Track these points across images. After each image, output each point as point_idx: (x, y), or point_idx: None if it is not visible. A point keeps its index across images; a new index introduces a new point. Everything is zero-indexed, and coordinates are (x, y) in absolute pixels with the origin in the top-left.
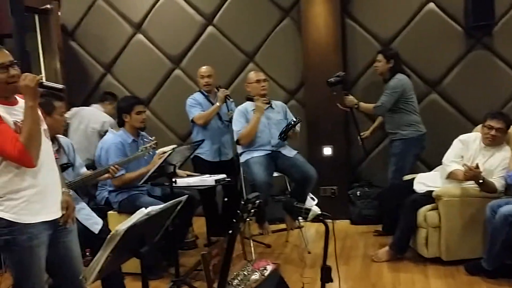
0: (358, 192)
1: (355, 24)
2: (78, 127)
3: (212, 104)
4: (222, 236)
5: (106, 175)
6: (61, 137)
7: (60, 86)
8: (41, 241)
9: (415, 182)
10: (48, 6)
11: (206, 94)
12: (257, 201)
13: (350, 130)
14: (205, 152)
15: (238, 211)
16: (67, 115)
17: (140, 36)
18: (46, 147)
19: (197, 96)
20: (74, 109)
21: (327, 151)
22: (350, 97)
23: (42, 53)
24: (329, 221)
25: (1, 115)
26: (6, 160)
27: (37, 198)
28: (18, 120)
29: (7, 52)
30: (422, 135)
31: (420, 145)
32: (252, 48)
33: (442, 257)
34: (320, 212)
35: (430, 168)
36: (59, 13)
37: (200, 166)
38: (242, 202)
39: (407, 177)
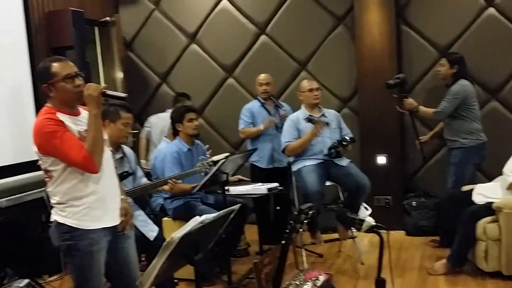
0: (414, 202)
1: (411, 31)
2: (161, 135)
3: (268, 111)
4: (274, 244)
5: (165, 186)
6: (125, 147)
7: (123, 94)
8: (101, 246)
9: (474, 193)
10: (108, 18)
11: (262, 101)
12: (310, 212)
13: (406, 139)
14: (259, 159)
15: (291, 221)
16: (148, 123)
17: (194, 46)
18: (107, 155)
19: (253, 104)
20: (153, 117)
21: (381, 160)
22: (410, 100)
23: (102, 64)
24: (383, 232)
25: (66, 124)
26: (70, 167)
27: (98, 204)
28: (81, 130)
29: (72, 63)
30: (483, 144)
31: (480, 154)
32: (305, 56)
33: (502, 271)
34: (374, 223)
35: (490, 179)
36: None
37: (255, 173)
38: (296, 213)
39: (466, 187)
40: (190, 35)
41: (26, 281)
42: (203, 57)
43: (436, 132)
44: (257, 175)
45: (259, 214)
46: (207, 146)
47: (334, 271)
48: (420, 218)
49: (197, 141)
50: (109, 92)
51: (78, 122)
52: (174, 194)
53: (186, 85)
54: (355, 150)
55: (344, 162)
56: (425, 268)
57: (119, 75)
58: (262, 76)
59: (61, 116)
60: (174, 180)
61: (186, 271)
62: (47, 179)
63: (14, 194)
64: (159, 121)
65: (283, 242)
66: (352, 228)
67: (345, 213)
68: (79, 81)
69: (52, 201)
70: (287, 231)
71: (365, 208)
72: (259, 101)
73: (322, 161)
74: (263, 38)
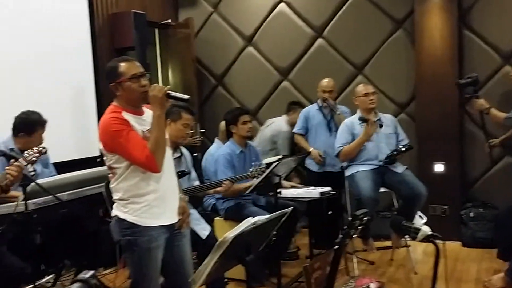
0: (472, 213)
1: (474, 36)
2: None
3: (324, 116)
4: (324, 249)
5: (218, 188)
6: (182, 147)
7: (186, 96)
8: (159, 243)
9: None
10: (169, 21)
11: (321, 105)
12: (365, 218)
13: (465, 146)
14: (311, 162)
15: (345, 226)
16: (266, 124)
17: (251, 49)
18: (167, 154)
19: (310, 108)
20: (269, 120)
21: (439, 168)
22: (481, 101)
23: (160, 65)
24: (439, 242)
25: (131, 124)
26: (133, 165)
27: (158, 203)
28: (145, 130)
29: (138, 64)
30: None
31: None
32: (362, 60)
33: None
34: (430, 233)
35: None
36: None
37: (307, 176)
38: (350, 218)
39: None
40: (247, 37)
41: (91, 272)
42: (259, 59)
43: (507, 138)
44: (310, 178)
45: (312, 218)
46: (260, 148)
47: (385, 279)
48: (478, 230)
49: (250, 143)
50: (173, 94)
51: (142, 122)
52: (226, 196)
53: (241, 87)
54: (412, 157)
55: (400, 168)
56: (482, 281)
57: (184, 76)
58: (325, 83)
59: (126, 115)
60: (226, 183)
61: (236, 271)
62: (111, 175)
63: (75, 188)
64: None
65: (336, 247)
66: (406, 236)
67: (400, 221)
68: (144, 81)
69: (114, 196)
70: (341, 236)
71: (420, 216)
72: (318, 104)
73: (376, 166)
74: (319, 41)
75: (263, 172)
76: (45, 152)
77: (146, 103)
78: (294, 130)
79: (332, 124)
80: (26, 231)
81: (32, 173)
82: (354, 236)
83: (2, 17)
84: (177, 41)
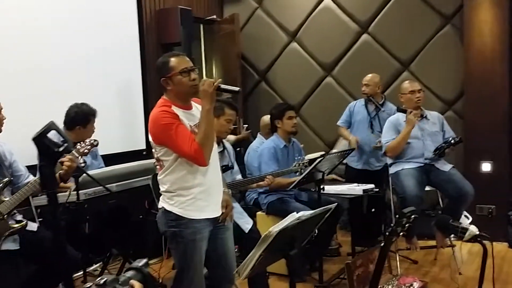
0: None
1: None
2: None
3: (368, 112)
4: (365, 247)
5: (261, 182)
6: (225, 141)
7: (236, 88)
8: (204, 236)
9: None
10: (214, 16)
11: (366, 101)
12: (412, 216)
13: None
14: (353, 159)
15: (392, 224)
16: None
17: (294, 44)
18: (214, 149)
19: (356, 103)
20: None
21: (486, 167)
22: None
23: (204, 60)
24: (487, 242)
25: (180, 118)
26: (180, 158)
27: (203, 196)
28: (193, 124)
29: (188, 58)
30: None
31: None
32: (408, 56)
33: None
34: (478, 233)
35: None
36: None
37: (348, 173)
38: (396, 216)
39: None
40: (291, 33)
41: (144, 261)
42: (303, 55)
43: None
44: (350, 174)
45: (353, 215)
46: (302, 145)
47: (429, 279)
48: None
49: (294, 139)
50: (223, 86)
51: (190, 117)
52: (270, 189)
53: (284, 83)
54: (459, 156)
55: (447, 167)
56: None
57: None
58: (368, 76)
59: (176, 110)
60: (269, 177)
61: (277, 266)
62: (158, 167)
63: (122, 180)
64: None
65: (382, 244)
66: (452, 236)
67: (447, 220)
68: (194, 75)
69: (161, 188)
70: (387, 233)
71: (466, 216)
72: (365, 100)
73: (422, 164)
74: (364, 36)
75: (306, 166)
76: (97, 145)
77: (195, 97)
78: (338, 122)
79: (375, 122)
80: (76, 221)
81: (82, 164)
82: (401, 234)
83: (56, 14)
84: (222, 37)
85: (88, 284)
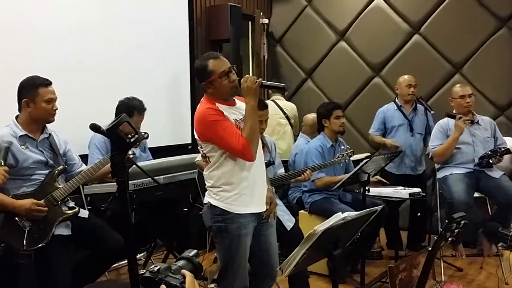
0: None
1: None
2: None
3: (405, 116)
4: (399, 250)
5: (301, 177)
6: (266, 136)
7: (281, 85)
8: (248, 231)
9: None
10: (261, 14)
11: (400, 104)
12: (462, 221)
13: None
14: (394, 165)
15: (441, 229)
16: None
17: (343, 44)
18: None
19: (388, 107)
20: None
21: None
22: None
23: (251, 57)
24: None
25: (225, 114)
26: (226, 153)
27: (248, 191)
28: (237, 119)
29: (225, 58)
30: None
31: None
32: (461, 59)
33: None
34: None
35: None
36: (262, 21)
37: (385, 178)
38: (447, 221)
39: None
40: (340, 32)
41: (194, 251)
42: (351, 55)
43: None
44: (388, 180)
45: (390, 218)
46: (348, 147)
47: (474, 287)
48: None
49: (340, 139)
50: (267, 83)
51: (235, 112)
52: (319, 187)
53: (331, 82)
54: (509, 163)
55: (497, 174)
56: None
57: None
58: (410, 77)
59: (220, 107)
60: (309, 171)
61: (318, 266)
62: (204, 163)
63: (169, 173)
64: None
65: (429, 249)
66: (500, 244)
67: (497, 227)
68: (233, 76)
69: (207, 184)
70: (436, 238)
71: None
72: (396, 104)
73: (471, 170)
74: (416, 37)
75: (349, 157)
76: (147, 137)
77: (236, 95)
78: (370, 131)
79: (414, 125)
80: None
81: (131, 156)
82: (450, 239)
83: (108, 10)
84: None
85: (143, 271)
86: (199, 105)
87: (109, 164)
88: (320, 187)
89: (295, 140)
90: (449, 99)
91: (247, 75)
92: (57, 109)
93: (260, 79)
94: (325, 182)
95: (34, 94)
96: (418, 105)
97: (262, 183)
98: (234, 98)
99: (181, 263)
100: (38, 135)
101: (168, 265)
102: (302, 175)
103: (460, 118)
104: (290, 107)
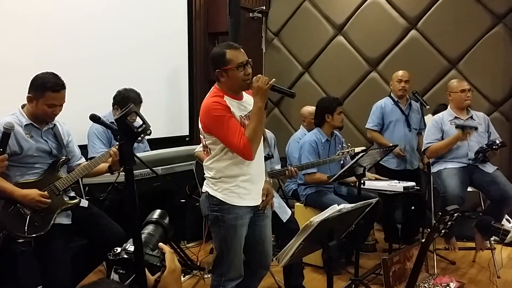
0: None
1: None
2: None
3: (402, 111)
4: (397, 244)
5: (287, 173)
6: (267, 131)
7: (291, 91)
8: (244, 222)
9: None
10: (263, 8)
11: (396, 100)
12: (455, 214)
13: None
14: (388, 159)
15: (435, 222)
16: None
17: (340, 38)
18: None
19: (385, 103)
20: None
21: None
22: None
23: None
24: None
25: (232, 110)
26: (227, 148)
27: (246, 184)
28: (243, 115)
29: (243, 51)
30: None
31: None
32: (457, 55)
33: None
34: None
35: None
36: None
37: (382, 174)
38: (440, 213)
39: None
40: (338, 26)
41: (158, 211)
42: (348, 49)
43: None
44: (383, 175)
45: (387, 212)
46: (349, 144)
47: (466, 280)
48: None
49: (336, 132)
50: (277, 87)
51: (241, 107)
52: (308, 183)
53: (328, 76)
54: (504, 158)
55: (490, 168)
56: None
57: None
58: (402, 72)
59: (228, 100)
60: (295, 169)
61: (313, 257)
62: (205, 153)
63: (167, 164)
64: None
65: (423, 241)
66: (492, 238)
67: (490, 221)
68: (249, 69)
69: (206, 174)
70: (429, 230)
71: (507, 220)
72: (392, 99)
73: (465, 165)
74: (413, 33)
75: (350, 155)
76: (150, 134)
77: (247, 89)
78: (368, 126)
79: (410, 120)
80: (120, 200)
81: None
82: (443, 232)
83: (106, 2)
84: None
85: (118, 249)
86: (208, 94)
87: (105, 164)
88: (310, 182)
89: None
90: (446, 94)
91: (259, 75)
92: (57, 113)
93: (273, 80)
94: (315, 178)
95: (39, 95)
96: (412, 100)
97: (260, 177)
98: (242, 92)
99: (150, 229)
100: (43, 125)
101: (144, 240)
102: (287, 172)
103: (467, 134)
104: None
